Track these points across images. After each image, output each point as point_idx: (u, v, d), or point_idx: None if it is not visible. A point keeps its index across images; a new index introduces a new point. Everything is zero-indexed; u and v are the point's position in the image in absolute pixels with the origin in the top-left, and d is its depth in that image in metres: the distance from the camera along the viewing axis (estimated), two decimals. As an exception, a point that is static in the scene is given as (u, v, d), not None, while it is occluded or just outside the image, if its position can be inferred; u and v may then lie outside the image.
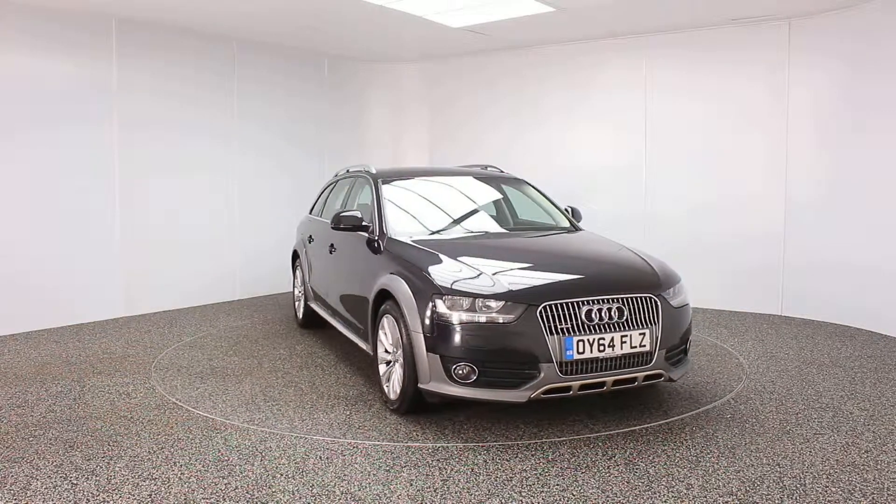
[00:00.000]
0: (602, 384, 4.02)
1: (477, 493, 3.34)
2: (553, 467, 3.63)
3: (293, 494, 3.33)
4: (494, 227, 5.48)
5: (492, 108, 9.44)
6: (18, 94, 6.73)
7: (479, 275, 4.23)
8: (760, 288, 7.70)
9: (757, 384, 5.08)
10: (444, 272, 4.28)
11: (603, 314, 4.05)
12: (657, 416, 4.40)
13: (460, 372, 3.97)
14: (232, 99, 8.52)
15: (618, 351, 4.02)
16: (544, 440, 4.00)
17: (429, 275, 4.26)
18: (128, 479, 3.51)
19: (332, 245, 5.98)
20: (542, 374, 3.90)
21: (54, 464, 3.70)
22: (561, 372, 3.92)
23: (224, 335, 6.72)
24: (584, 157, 8.73)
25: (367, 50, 9.34)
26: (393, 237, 4.98)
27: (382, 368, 4.63)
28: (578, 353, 3.94)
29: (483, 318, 3.96)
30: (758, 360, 5.77)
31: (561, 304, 4.00)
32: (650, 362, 4.12)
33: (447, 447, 3.90)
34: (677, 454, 3.79)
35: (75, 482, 3.48)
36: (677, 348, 4.37)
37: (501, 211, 5.93)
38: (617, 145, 8.48)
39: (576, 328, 3.97)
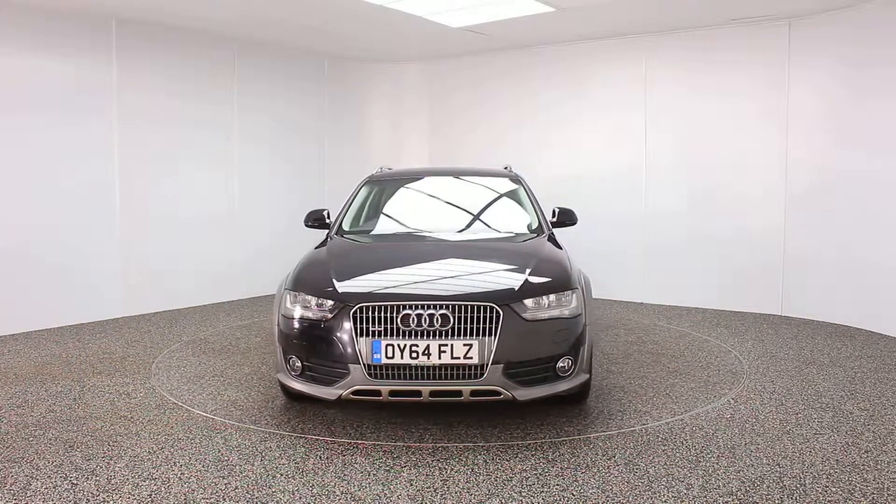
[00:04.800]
0: (417, 393, 3.86)
1: (477, 493, 3.34)
2: (553, 467, 3.63)
3: (293, 494, 3.33)
4: (437, 229, 5.28)
5: (491, 108, 9.45)
6: (18, 93, 6.73)
7: (329, 275, 4.25)
8: (760, 287, 7.70)
9: (757, 384, 5.08)
10: (305, 271, 4.44)
11: (423, 320, 3.85)
12: (657, 416, 4.40)
13: (292, 364, 4.19)
14: (232, 99, 8.52)
15: (435, 360, 3.81)
16: (544, 440, 3.99)
17: (292, 272, 4.47)
18: (128, 479, 3.51)
19: None
20: (350, 375, 3.91)
21: (54, 464, 3.70)
22: (369, 375, 3.86)
23: (224, 335, 6.72)
24: (584, 156, 8.73)
25: (367, 50, 9.34)
26: (332, 236, 5.23)
27: None
28: (388, 357, 3.83)
29: (307, 315, 4.10)
30: (758, 360, 5.77)
31: (377, 307, 3.90)
32: (481, 377, 3.85)
33: (447, 447, 3.90)
34: (677, 454, 3.79)
35: (75, 482, 3.47)
36: (530, 366, 3.96)
37: (477, 213, 5.70)
38: (617, 145, 8.48)
39: (390, 332, 3.86)
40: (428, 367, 3.83)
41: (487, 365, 3.83)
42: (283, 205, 9.08)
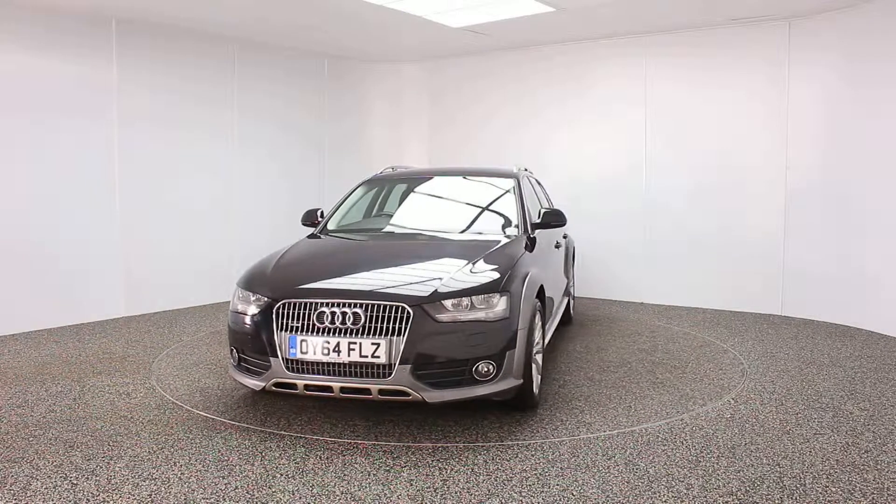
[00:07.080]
0: (329, 388, 3.95)
1: (477, 493, 3.34)
2: (553, 467, 3.63)
3: (293, 494, 3.33)
4: (415, 229, 5.33)
5: (492, 108, 9.45)
6: (18, 93, 6.73)
7: (269, 273, 4.46)
8: (760, 288, 7.70)
9: (757, 384, 5.08)
10: (255, 269, 4.62)
11: (336, 318, 3.95)
12: (657, 416, 4.40)
13: (234, 356, 4.42)
14: (232, 100, 8.52)
15: (345, 357, 3.89)
16: (544, 440, 4.00)
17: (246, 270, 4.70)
18: (128, 479, 3.51)
19: None
20: (272, 368, 4.07)
21: (54, 464, 3.70)
22: (287, 368, 4.02)
23: (224, 334, 6.72)
24: (584, 157, 8.74)
25: (367, 50, 9.34)
26: (310, 235, 5.43)
27: None
28: (302, 352, 3.97)
29: (245, 310, 4.29)
30: (758, 360, 5.77)
31: (297, 303, 4.06)
32: (388, 376, 3.86)
33: (447, 447, 3.90)
34: (677, 454, 3.79)
35: (75, 482, 3.47)
36: (441, 367, 3.92)
37: (455, 213, 5.67)
38: (617, 145, 8.48)
39: (307, 328, 3.99)
40: (338, 364, 3.93)
41: (395, 365, 3.86)
42: (283, 204, 9.08)
